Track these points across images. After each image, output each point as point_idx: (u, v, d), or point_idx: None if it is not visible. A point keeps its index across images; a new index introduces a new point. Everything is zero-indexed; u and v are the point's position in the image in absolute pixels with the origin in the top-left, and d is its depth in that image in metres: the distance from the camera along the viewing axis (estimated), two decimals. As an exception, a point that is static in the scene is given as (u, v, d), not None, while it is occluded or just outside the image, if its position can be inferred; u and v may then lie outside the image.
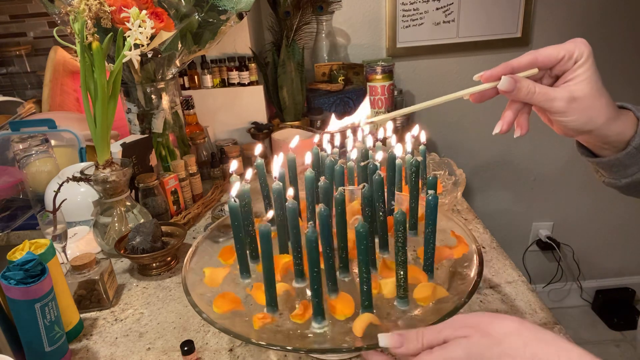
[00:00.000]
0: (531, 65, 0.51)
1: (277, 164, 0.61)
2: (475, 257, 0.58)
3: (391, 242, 0.65)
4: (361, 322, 0.50)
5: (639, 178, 0.55)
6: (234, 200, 0.58)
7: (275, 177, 0.60)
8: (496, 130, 0.54)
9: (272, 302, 0.55)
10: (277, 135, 1.29)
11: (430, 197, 0.55)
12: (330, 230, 0.52)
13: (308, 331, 0.53)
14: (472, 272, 0.56)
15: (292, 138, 0.67)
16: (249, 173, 0.62)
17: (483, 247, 0.89)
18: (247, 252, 0.63)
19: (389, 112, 1.40)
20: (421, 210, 0.66)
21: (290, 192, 0.54)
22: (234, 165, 0.64)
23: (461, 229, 0.64)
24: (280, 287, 0.56)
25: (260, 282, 0.55)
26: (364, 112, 0.49)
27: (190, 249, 0.65)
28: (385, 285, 0.56)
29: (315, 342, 0.52)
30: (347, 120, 0.50)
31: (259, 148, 0.67)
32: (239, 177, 0.60)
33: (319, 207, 0.51)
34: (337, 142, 0.73)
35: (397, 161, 0.69)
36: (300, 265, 0.58)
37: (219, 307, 0.55)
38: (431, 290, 0.54)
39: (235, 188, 0.58)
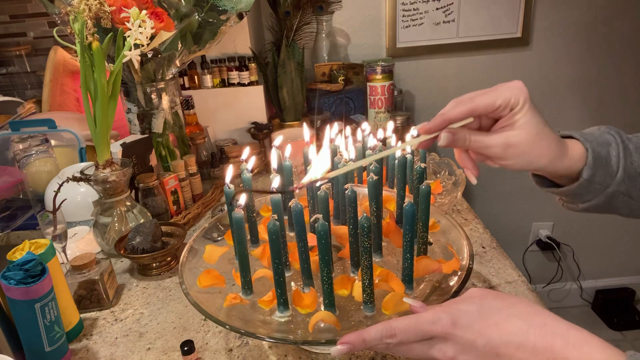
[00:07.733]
0: (468, 117, 0.50)
1: (275, 157, 0.63)
2: (459, 275, 0.56)
3: (387, 247, 0.65)
4: (314, 318, 0.51)
5: (595, 203, 0.55)
6: (228, 187, 0.61)
7: (273, 169, 0.62)
8: (474, 181, 0.54)
9: (245, 285, 0.57)
10: (277, 135, 1.29)
11: (407, 206, 0.52)
12: (303, 225, 0.53)
13: (270, 319, 0.55)
14: (452, 289, 0.54)
15: (292, 138, 0.68)
16: (251, 162, 0.65)
17: (483, 247, 0.89)
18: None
19: (389, 112, 1.40)
20: (431, 219, 0.65)
21: (275, 182, 0.56)
22: (245, 152, 0.66)
23: (459, 234, 0.63)
24: (259, 272, 0.58)
25: (254, 265, 0.58)
26: (321, 166, 0.48)
27: (194, 235, 0.68)
28: (357, 287, 0.56)
29: (275, 330, 0.53)
30: (309, 175, 0.50)
31: (279, 139, 0.70)
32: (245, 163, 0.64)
33: (292, 203, 0.52)
34: (337, 142, 0.73)
35: (409, 157, 0.69)
36: (284, 255, 0.60)
37: (201, 282, 0.58)
38: (396, 300, 0.52)
39: (229, 175, 0.61)
